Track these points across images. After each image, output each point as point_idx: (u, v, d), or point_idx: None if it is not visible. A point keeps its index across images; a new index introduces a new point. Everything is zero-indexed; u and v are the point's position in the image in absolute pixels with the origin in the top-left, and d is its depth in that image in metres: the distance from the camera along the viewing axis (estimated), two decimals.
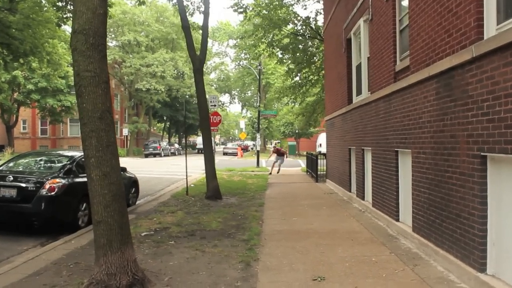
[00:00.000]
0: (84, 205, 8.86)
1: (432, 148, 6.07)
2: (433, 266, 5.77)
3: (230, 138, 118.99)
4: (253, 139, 71.10)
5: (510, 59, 4.14)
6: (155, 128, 72.21)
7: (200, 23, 15.00)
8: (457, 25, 5.23)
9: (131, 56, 47.31)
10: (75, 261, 6.19)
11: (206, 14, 13.60)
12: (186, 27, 13.21)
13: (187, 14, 14.13)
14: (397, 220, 7.91)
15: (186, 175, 14.51)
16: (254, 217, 9.68)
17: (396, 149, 7.88)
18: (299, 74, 24.47)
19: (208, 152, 13.37)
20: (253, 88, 67.22)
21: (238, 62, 65.89)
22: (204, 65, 14.36)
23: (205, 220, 9.31)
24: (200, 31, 14.91)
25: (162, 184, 17.54)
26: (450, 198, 5.50)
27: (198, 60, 13.14)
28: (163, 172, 24.37)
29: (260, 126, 32.74)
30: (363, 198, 10.69)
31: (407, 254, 6.43)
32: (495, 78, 4.40)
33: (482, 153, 4.71)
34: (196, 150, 60.08)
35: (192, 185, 15.36)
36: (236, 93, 76.98)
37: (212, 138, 16.93)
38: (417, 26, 6.61)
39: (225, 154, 54.84)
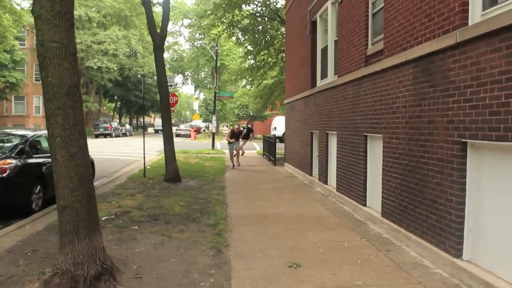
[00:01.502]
0: (38, 187, 8.35)
1: (407, 133, 6.03)
2: (406, 252, 5.77)
3: (182, 119, 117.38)
4: (206, 121, 70.18)
5: (498, 45, 4.09)
6: (105, 108, 69.83)
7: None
8: (440, 10, 5.15)
9: (81, 32, 45.14)
10: (32, 248, 5.75)
11: None
12: (146, 2, 12.63)
13: None
14: (364, 205, 7.90)
15: (144, 157, 14.03)
16: (217, 200, 9.47)
17: (365, 134, 7.82)
18: (257, 57, 24.14)
19: (167, 133, 12.94)
20: (207, 69, 66.20)
21: (193, 42, 64.42)
22: None
23: (167, 203, 9.00)
24: (157, 9, 14.35)
25: (117, 165, 16.90)
26: (426, 184, 5.49)
27: (159, 37, 12.60)
28: (117, 153, 23.56)
29: (216, 108, 32.25)
30: (326, 182, 10.67)
31: (378, 239, 6.42)
32: (480, 64, 4.35)
33: (462, 140, 4.68)
34: (154, 131, 58.70)
35: (148, 167, 14.89)
36: (190, 74, 75.52)
37: None
38: (393, 9, 6.50)
39: (178, 135, 53.79)
